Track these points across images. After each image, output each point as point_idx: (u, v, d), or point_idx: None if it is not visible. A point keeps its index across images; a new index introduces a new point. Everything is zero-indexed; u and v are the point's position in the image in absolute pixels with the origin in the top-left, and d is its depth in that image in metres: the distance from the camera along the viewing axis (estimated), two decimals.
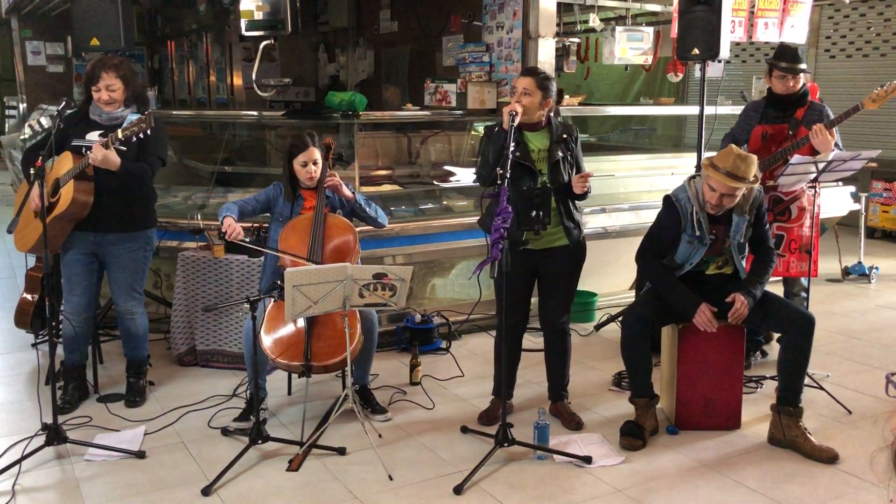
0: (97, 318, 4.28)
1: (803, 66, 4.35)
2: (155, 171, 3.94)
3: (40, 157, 3.37)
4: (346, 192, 3.91)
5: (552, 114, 3.71)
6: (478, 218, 3.85)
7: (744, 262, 3.73)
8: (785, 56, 4.35)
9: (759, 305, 3.61)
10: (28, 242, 3.94)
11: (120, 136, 3.56)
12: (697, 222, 3.59)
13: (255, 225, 4.24)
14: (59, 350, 4.05)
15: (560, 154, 3.61)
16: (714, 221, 3.62)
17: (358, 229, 3.92)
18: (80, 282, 3.89)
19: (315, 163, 3.83)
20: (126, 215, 3.87)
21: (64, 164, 3.74)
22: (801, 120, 4.32)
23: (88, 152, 3.70)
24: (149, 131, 3.55)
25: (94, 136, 3.79)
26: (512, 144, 3.35)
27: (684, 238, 3.64)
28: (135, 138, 3.56)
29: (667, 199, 3.72)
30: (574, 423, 3.77)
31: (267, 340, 3.57)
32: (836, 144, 4.24)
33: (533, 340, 4.50)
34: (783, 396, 3.58)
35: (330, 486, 3.22)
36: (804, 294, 4.52)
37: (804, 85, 4.41)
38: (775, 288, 4.08)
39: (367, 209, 3.96)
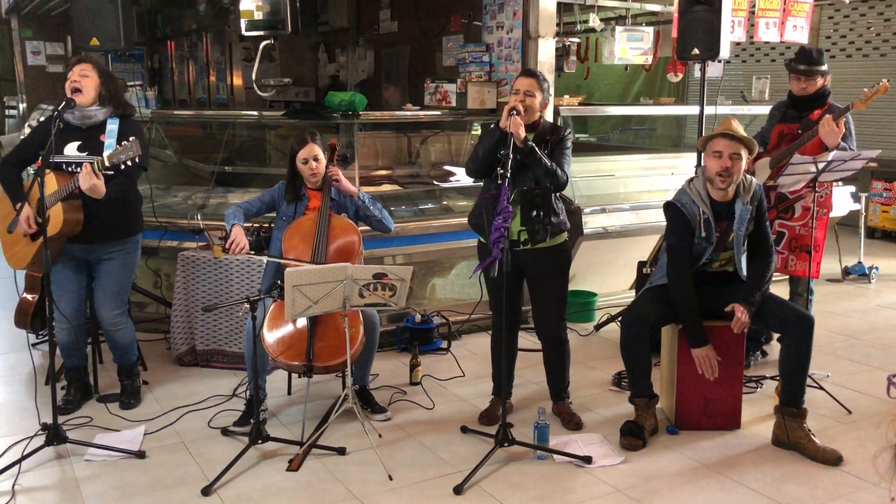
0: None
1: (822, 67, 4.37)
2: (136, 181, 3.84)
3: (40, 158, 3.35)
4: (349, 186, 3.91)
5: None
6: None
7: (744, 259, 3.72)
8: (802, 58, 4.37)
9: (759, 306, 3.61)
10: (23, 259, 3.79)
11: (107, 163, 3.44)
12: (706, 222, 3.58)
13: (256, 225, 4.24)
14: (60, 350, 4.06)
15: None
16: (719, 219, 3.62)
17: (360, 229, 3.92)
18: (68, 287, 3.82)
19: (316, 159, 3.83)
20: (115, 224, 3.79)
21: (48, 182, 3.47)
22: (815, 121, 4.33)
23: (71, 168, 3.60)
24: (136, 159, 3.43)
25: (72, 148, 3.65)
26: (518, 142, 3.37)
27: (693, 241, 3.64)
28: (123, 166, 3.43)
29: (670, 205, 3.68)
30: (573, 423, 3.77)
31: (269, 339, 3.58)
32: (848, 145, 4.24)
33: (533, 340, 4.50)
34: (786, 398, 3.58)
35: (330, 486, 3.22)
36: (808, 296, 4.52)
37: (823, 86, 4.41)
38: (781, 287, 4.08)
39: (372, 208, 3.94)
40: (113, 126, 3.70)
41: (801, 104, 4.41)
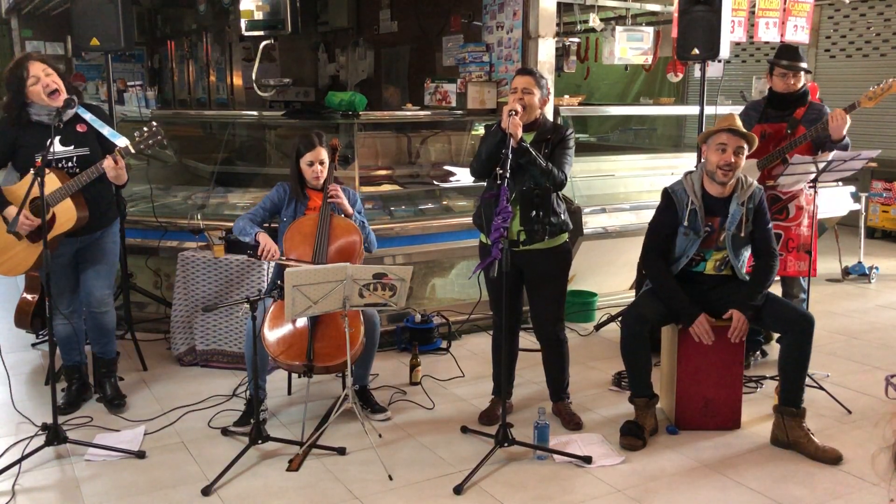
0: None
1: (804, 64, 4.37)
2: None
3: (40, 158, 3.34)
4: (347, 208, 3.91)
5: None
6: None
7: (742, 263, 3.73)
8: (786, 54, 4.36)
9: (761, 306, 3.61)
10: (20, 266, 3.72)
11: (132, 150, 3.52)
12: (692, 212, 3.61)
13: None
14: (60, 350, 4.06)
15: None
16: (710, 213, 3.63)
17: None
18: (69, 283, 3.86)
19: (322, 163, 3.84)
20: (104, 213, 3.85)
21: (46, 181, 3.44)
22: (800, 119, 4.33)
23: (62, 164, 3.61)
24: (164, 141, 3.50)
25: (55, 144, 3.59)
26: (513, 142, 3.37)
27: (680, 230, 3.66)
28: (149, 151, 3.52)
29: (664, 191, 3.76)
30: (573, 424, 3.77)
31: (269, 339, 3.57)
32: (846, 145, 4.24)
33: (532, 340, 4.49)
34: (785, 397, 3.58)
35: (330, 486, 3.22)
36: (803, 295, 4.52)
37: (804, 84, 4.42)
38: (773, 290, 4.07)
39: (361, 232, 3.93)
40: (86, 114, 3.70)
41: (783, 103, 4.40)
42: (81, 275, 3.90)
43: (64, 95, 3.64)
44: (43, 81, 3.59)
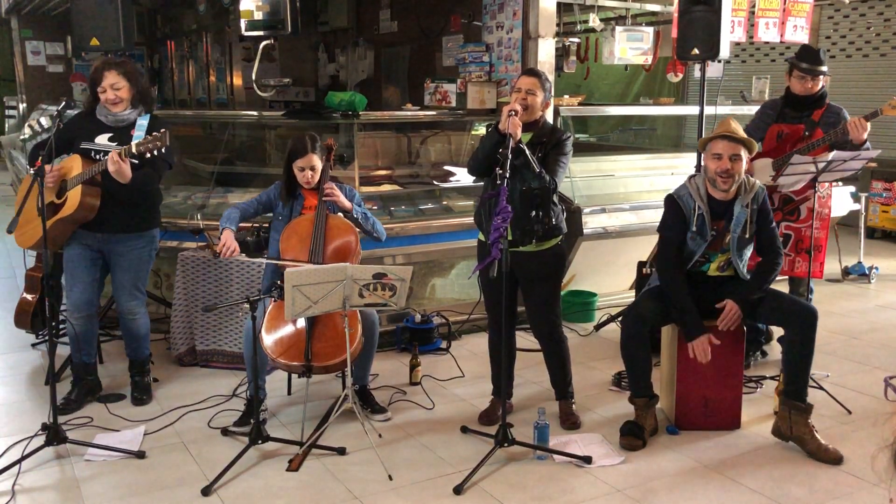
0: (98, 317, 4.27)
1: (824, 68, 4.36)
2: (162, 175, 3.96)
3: (40, 158, 3.38)
4: (345, 203, 3.90)
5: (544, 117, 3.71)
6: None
7: (744, 263, 3.72)
8: (807, 57, 4.36)
9: (762, 300, 3.61)
10: (32, 239, 3.90)
11: (134, 150, 3.55)
12: (699, 217, 3.60)
13: (255, 225, 4.24)
14: (60, 350, 4.06)
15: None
16: (716, 217, 3.63)
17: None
18: (82, 277, 3.87)
19: (313, 169, 3.83)
20: (132, 217, 3.88)
21: (73, 165, 3.73)
22: (817, 122, 4.32)
23: (100, 156, 3.73)
24: (163, 150, 3.53)
25: (103, 139, 3.81)
26: (511, 143, 3.36)
27: (688, 235, 3.65)
28: (148, 154, 3.54)
29: (669, 198, 3.73)
30: (569, 423, 3.77)
31: (268, 340, 3.57)
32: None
33: (532, 340, 4.49)
34: (791, 391, 3.56)
35: (330, 486, 3.22)
36: (810, 295, 4.52)
37: (823, 87, 4.41)
38: (781, 287, 4.07)
39: (364, 224, 3.92)
40: (143, 122, 3.82)
41: (801, 104, 4.40)
42: (112, 282, 3.99)
43: (123, 106, 3.83)
44: (108, 94, 3.80)
